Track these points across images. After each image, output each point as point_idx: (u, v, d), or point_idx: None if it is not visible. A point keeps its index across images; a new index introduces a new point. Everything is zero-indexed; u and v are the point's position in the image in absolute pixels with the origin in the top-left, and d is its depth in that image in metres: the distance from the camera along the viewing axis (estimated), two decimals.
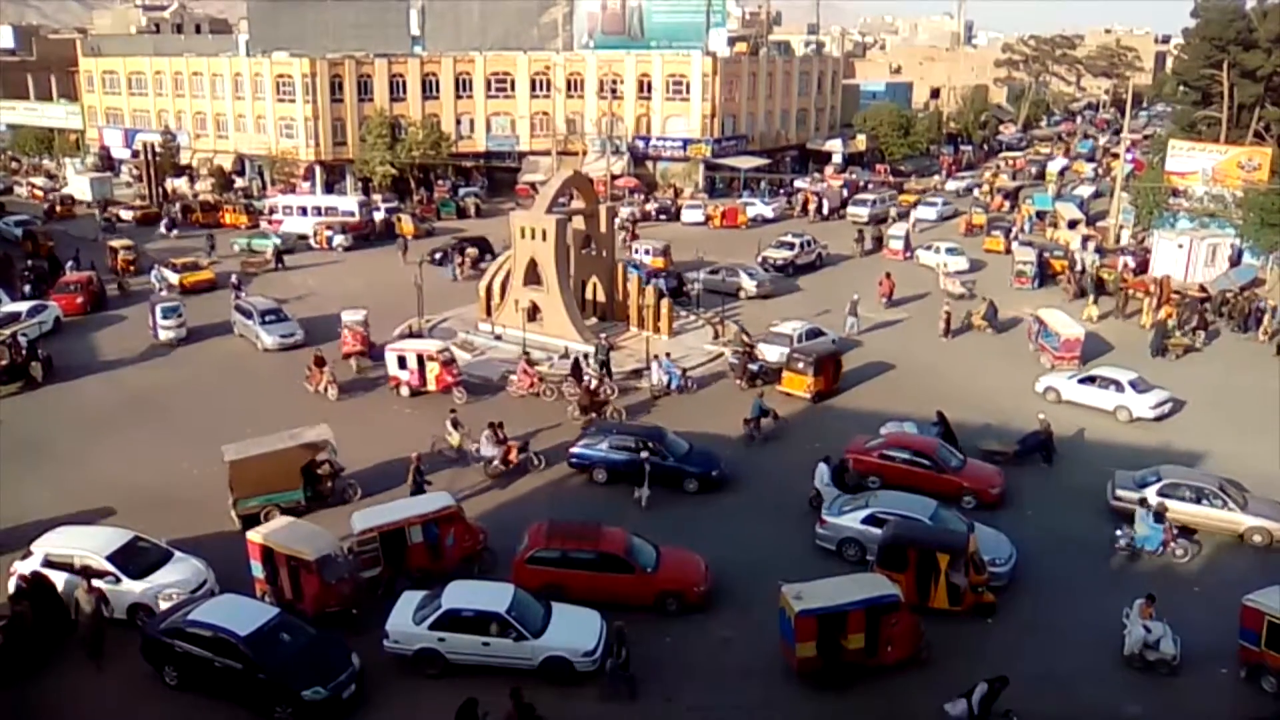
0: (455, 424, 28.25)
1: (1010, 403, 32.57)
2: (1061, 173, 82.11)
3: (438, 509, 22.21)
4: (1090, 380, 32.82)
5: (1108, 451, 28.97)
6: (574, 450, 27.32)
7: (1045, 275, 48.46)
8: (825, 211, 65.58)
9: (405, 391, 32.76)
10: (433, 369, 32.46)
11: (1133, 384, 32.06)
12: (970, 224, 61.21)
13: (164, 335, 38.19)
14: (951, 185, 79.71)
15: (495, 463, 27.12)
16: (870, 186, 75.25)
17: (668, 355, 34.67)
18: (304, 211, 59.05)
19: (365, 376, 34.55)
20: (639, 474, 25.80)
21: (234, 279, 45.74)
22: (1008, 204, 69.58)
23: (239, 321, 39.56)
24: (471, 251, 50.59)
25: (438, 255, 51.27)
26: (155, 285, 45.76)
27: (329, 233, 56.43)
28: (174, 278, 46.32)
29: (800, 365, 32.51)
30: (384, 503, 23.60)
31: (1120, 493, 25.48)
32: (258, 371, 36.05)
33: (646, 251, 49.47)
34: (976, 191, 76.98)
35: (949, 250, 52.49)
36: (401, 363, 32.80)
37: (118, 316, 42.62)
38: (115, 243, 52.09)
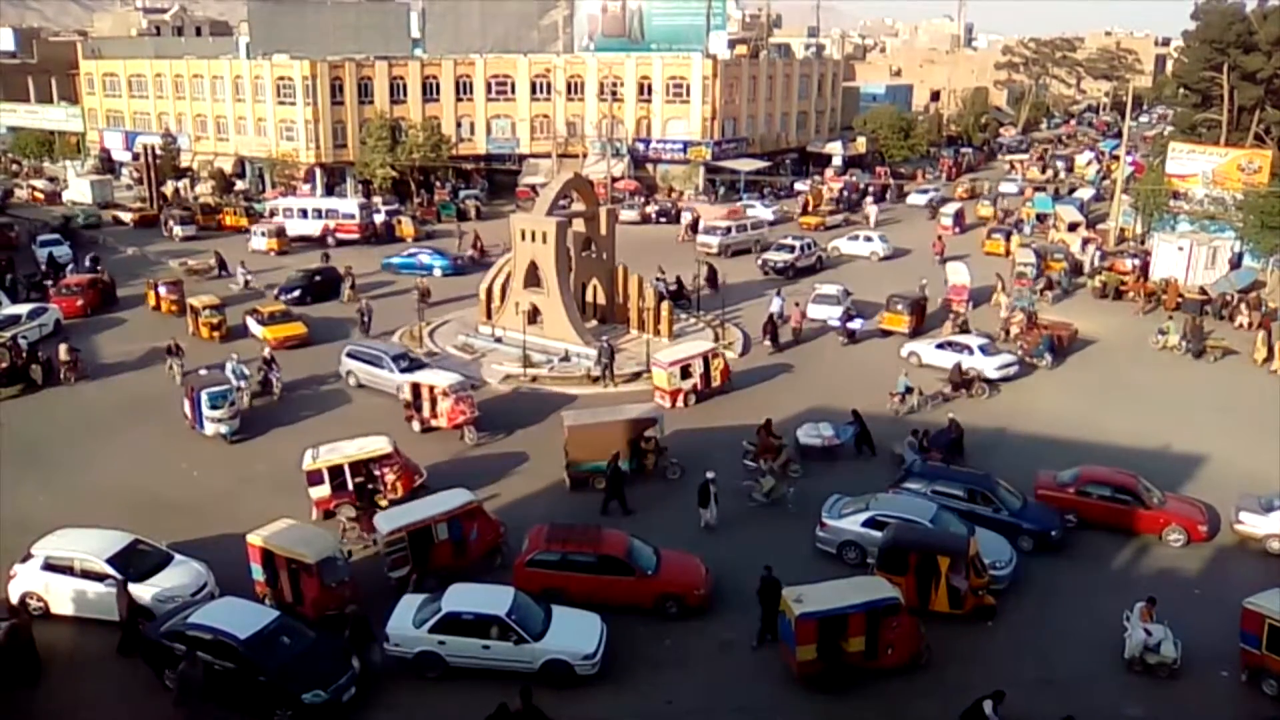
0: (770, 471, 26.09)
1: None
2: (1089, 165, 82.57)
3: (461, 504, 22.32)
4: (946, 345, 36.28)
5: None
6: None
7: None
8: (699, 229, 57.20)
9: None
10: (719, 365, 33.22)
11: (981, 348, 35.50)
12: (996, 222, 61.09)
13: (210, 429, 29.20)
14: (913, 200, 71.84)
15: None
16: (786, 225, 61.84)
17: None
18: (304, 214, 58.98)
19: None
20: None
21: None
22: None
23: (358, 369, 33.74)
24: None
25: (292, 290, 44.40)
26: (232, 379, 31.37)
27: (172, 223, 55.68)
28: (259, 330, 38.70)
29: (899, 307, 39.71)
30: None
31: (1244, 516, 23.91)
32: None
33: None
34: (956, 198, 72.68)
35: (881, 238, 54.81)
36: (685, 373, 32.26)
37: (118, 319, 42.46)
38: (199, 300, 39.96)
